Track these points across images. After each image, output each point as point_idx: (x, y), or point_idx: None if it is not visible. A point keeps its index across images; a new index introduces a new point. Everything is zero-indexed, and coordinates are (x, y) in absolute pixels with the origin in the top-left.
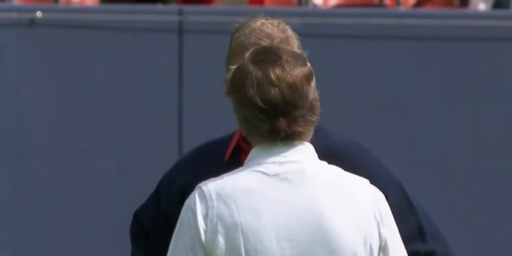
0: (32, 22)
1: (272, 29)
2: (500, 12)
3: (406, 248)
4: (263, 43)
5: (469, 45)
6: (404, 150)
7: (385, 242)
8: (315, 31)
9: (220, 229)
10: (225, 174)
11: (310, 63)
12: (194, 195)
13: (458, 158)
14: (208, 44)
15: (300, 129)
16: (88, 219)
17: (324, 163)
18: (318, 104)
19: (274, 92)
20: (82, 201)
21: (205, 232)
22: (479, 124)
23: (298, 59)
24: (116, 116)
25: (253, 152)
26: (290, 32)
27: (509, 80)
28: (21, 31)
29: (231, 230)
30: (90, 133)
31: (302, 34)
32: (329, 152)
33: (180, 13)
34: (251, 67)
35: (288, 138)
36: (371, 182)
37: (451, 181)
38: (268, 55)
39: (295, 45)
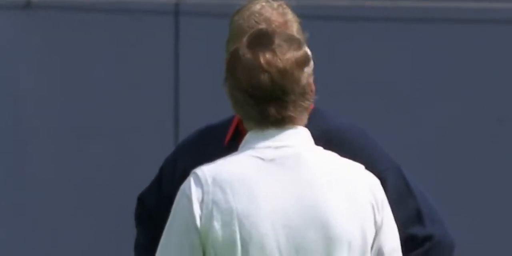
0: (28, 5)
1: (271, 13)
2: None
3: (404, 232)
4: (261, 27)
5: (463, 27)
6: (396, 133)
7: (380, 229)
8: (311, 13)
9: (215, 214)
10: (220, 159)
11: (308, 45)
12: (190, 180)
13: (451, 142)
14: (205, 26)
15: (290, 113)
16: (87, 200)
17: (320, 148)
18: (312, 88)
19: (263, 77)
20: (81, 183)
21: (201, 217)
22: (472, 107)
23: (292, 43)
24: (113, 98)
25: (247, 136)
26: (289, 16)
27: (502, 63)
28: (16, 13)
29: (227, 215)
30: (87, 115)
31: (298, 16)
32: (328, 135)
33: None
34: (244, 51)
35: (279, 122)
36: (370, 166)
37: (444, 165)
38: (261, 39)
39: (294, 28)
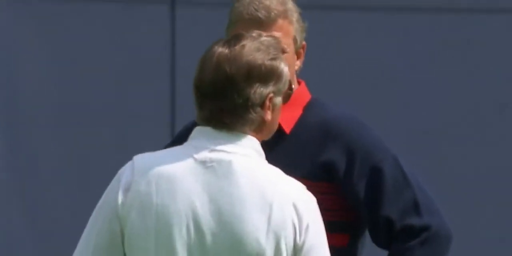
0: None
1: (271, 1)
2: None
3: (401, 222)
4: (259, 15)
5: (462, 15)
6: (397, 122)
7: (300, 251)
8: (309, 2)
9: (135, 205)
10: (164, 150)
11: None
12: (126, 166)
13: (453, 130)
14: (201, 16)
15: (225, 120)
16: (86, 187)
17: (263, 161)
18: (267, 106)
19: (208, 77)
20: (79, 170)
21: (123, 205)
22: (474, 95)
23: (260, 52)
24: (109, 87)
25: (195, 131)
26: (290, 5)
27: (503, 50)
28: (13, 3)
29: (146, 209)
30: (83, 102)
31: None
32: (326, 126)
33: None
34: (215, 45)
35: (220, 125)
36: (366, 156)
37: (445, 153)
38: (232, 40)
39: (294, 18)
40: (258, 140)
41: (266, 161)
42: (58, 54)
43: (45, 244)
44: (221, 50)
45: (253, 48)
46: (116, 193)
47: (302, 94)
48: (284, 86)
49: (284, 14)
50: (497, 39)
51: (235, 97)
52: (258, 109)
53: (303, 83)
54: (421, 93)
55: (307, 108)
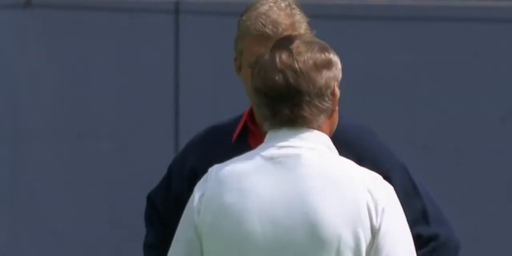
0: (28, 3)
1: (279, 14)
2: None
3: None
4: (267, 30)
5: (465, 25)
6: (400, 132)
7: (377, 233)
8: (311, 12)
9: (210, 209)
10: (237, 156)
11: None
12: (202, 177)
13: (454, 140)
14: (205, 25)
15: (304, 113)
16: (86, 201)
17: (335, 154)
18: (336, 92)
19: (278, 77)
20: (79, 183)
21: (199, 211)
22: (474, 106)
23: (312, 46)
24: (113, 97)
25: (267, 136)
26: (297, 17)
27: (505, 61)
28: (16, 12)
29: (218, 211)
30: (86, 114)
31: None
32: (334, 135)
33: None
34: (265, 55)
35: (292, 123)
36: (375, 165)
37: (447, 163)
38: (282, 42)
39: (301, 29)
40: (328, 135)
41: (337, 154)
42: (63, 63)
43: (47, 254)
44: (278, 53)
45: (307, 43)
46: (192, 202)
47: None
48: (340, 75)
49: (292, 27)
50: (502, 49)
51: (310, 87)
52: (330, 96)
53: None
54: (424, 102)
55: None
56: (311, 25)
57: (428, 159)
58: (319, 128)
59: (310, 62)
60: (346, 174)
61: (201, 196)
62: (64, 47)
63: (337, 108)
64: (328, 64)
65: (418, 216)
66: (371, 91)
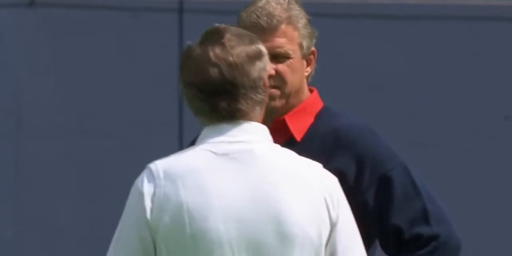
0: (31, 2)
1: (275, 8)
2: None
3: (410, 231)
4: (261, 22)
5: (468, 24)
6: (403, 131)
7: (335, 226)
8: (314, 11)
9: (166, 208)
10: (175, 153)
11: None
12: (143, 174)
13: (457, 140)
14: (209, 24)
15: (241, 107)
16: (90, 198)
17: (277, 146)
18: (266, 83)
19: (213, 71)
20: (83, 180)
21: (152, 210)
22: (478, 105)
23: (243, 38)
24: (117, 95)
25: (203, 132)
26: (295, 11)
27: (508, 60)
28: (20, 11)
29: (177, 209)
30: (90, 112)
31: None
32: (336, 134)
33: None
34: (195, 48)
35: (231, 116)
36: (376, 165)
37: (450, 163)
38: (212, 35)
39: (299, 24)
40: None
41: (278, 145)
42: (67, 61)
43: (51, 253)
44: (209, 46)
45: (237, 36)
46: (141, 201)
47: (314, 102)
48: (268, 64)
49: (288, 20)
50: (505, 49)
51: (245, 80)
52: (263, 88)
53: (315, 91)
54: (426, 101)
55: (319, 116)
56: (314, 23)
57: (430, 158)
58: (256, 120)
59: (243, 54)
60: (300, 168)
61: (152, 195)
62: (67, 45)
63: (267, 99)
64: (259, 55)
65: (418, 216)
66: (374, 90)
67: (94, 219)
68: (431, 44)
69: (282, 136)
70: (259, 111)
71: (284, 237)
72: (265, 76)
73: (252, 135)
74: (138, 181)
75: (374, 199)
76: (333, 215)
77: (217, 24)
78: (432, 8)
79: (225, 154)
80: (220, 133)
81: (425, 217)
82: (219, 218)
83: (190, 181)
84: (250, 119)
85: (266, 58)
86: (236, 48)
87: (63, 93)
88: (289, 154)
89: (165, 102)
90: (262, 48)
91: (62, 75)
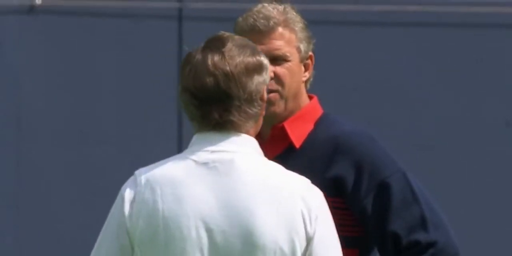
0: (32, 9)
1: (272, 11)
2: None
3: (408, 238)
4: (258, 24)
5: (471, 31)
6: (404, 136)
7: (311, 240)
8: (317, 18)
9: (142, 214)
10: (161, 160)
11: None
12: (128, 181)
13: (458, 145)
14: (208, 31)
15: (233, 118)
16: (90, 204)
17: (264, 159)
18: (264, 97)
19: (209, 79)
20: (84, 185)
21: (130, 217)
22: (479, 110)
23: (245, 49)
24: (117, 101)
25: (192, 139)
26: (291, 15)
27: (510, 66)
28: (21, 17)
29: (153, 216)
30: (90, 118)
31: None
32: (335, 141)
33: None
34: (195, 54)
35: (221, 126)
36: (375, 172)
37: (451, 168)
38: (214, 42)
39: (296, 27)
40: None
41: (266, 159)
42: (67, 68)
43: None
44: (209, 53)
45: (239, 47)
46: (122, 207)
47: (314, 108)
48: (269, 78)
49: (285, 23)
50: (507, 55)
51: (241, 92)
52: (259, 102)
53: (315, 98)
54: (428, 107)
55: (318, 123)
56: (314, 30)
57: (432, 163)
58: (247, 133)
59: (242, 66)
60: (280, 181)
61: (132, 201)
62: (67, 52)
63: (263, 112)
64: (260, 68)
65: (416, 223)
66: (376, 95)
67: (94, 224)
68: (434, 51)
69: (281, 143)
70: (252, 125)
71: (254, 248)
72: (264, 90)
73: (237, 146)
74: (122, 188)
75: (373, 206)
76: (309, 229)
77: (222, 32)
78: (435, 15)
79: (205, 163)
80: (206, 142)
81: (423, 224)
82: (192, 226)
83: (168, 189)
84: (241, 131)
85: (267, 72)
86: (236, 58)
87: (64, 98)
88: (274, 168)
89: (165, 108)
90: (265, 61)
91: (62, 81)
